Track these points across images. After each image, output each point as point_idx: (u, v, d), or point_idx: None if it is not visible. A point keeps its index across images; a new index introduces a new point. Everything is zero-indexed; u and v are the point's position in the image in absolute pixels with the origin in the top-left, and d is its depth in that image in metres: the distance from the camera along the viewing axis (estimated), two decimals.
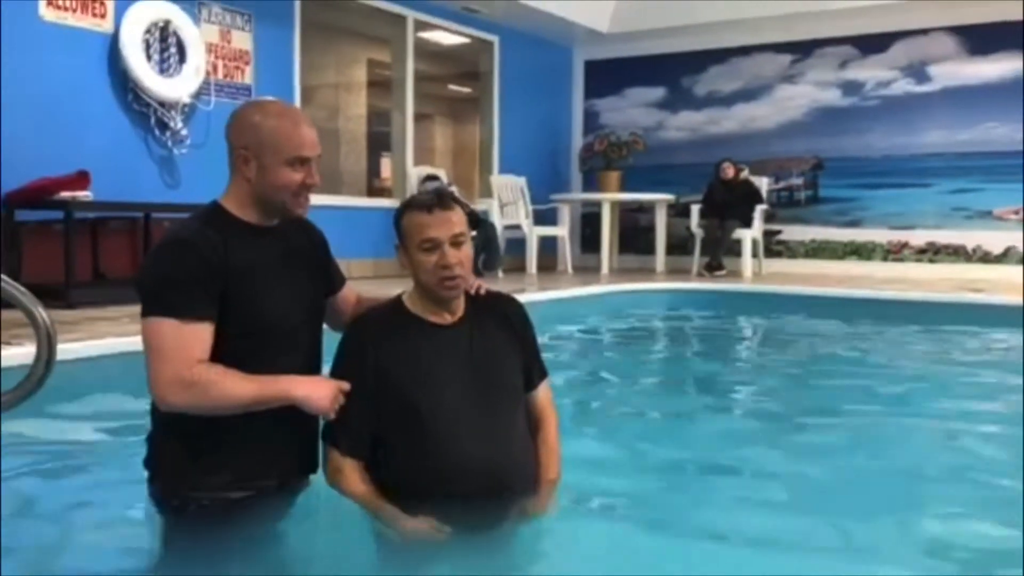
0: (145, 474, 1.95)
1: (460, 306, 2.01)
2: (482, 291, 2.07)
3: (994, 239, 8.66)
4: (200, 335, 1.78)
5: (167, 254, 1.83)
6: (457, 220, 1.93)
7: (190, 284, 1.77)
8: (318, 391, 1.86)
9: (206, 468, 1.86)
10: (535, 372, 2.11)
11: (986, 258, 8.70)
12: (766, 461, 2.92)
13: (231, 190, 1.92)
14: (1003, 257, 8.61)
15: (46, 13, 5.58)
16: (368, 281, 6.58)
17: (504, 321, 2.07)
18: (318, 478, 2.02)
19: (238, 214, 1.90)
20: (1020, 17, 8.25)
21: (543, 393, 2.13)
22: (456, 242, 1.91)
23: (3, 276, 1.86)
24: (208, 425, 1.82)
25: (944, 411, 3.72)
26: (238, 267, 1.82)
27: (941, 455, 3.00)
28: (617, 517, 2.32)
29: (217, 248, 1.81)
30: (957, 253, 8.84)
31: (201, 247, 1.80)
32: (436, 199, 1.94)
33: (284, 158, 1.87)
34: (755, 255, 8.79)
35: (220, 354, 1.80)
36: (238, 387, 1.78)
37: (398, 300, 2.03)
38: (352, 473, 1.94)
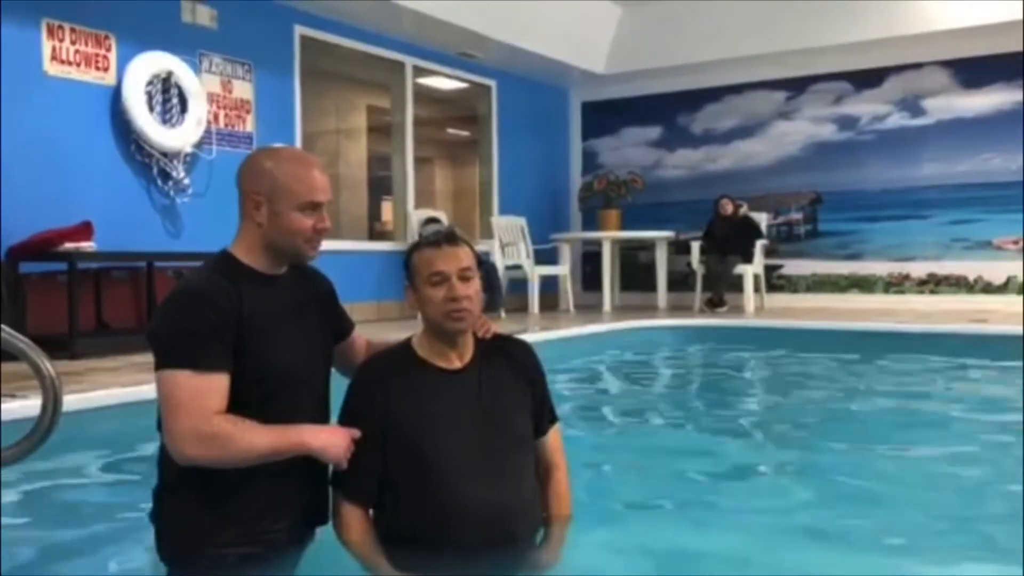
0: (152, 529, 1.91)
1: (469, 349, 2.00)
2: (489, 334, 2.06)
3: (995, 269, 8.67)
4: (217, 386, 1.76)
5: (181, 305, 1.80)
6: (465, 256, 1.94)
7: (206, 335, 1.75)
8: (333, 441, 1.85)
9: (216, 521, 1.83)
10: (545, 417, 2.09)
11: (988, 288, 8.70)
12: (773, 495, 2.90)
13: (241, 237, 1.91)
14: (1005, 287, 8.61)
15: (50, 68, 5.66)
16: (371, 324, 6.58)
17: (514, 365, 2.05)
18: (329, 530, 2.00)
19: (248, 261, 1.88)
20: (1012, 49, 8.35)
21: (553, 439, 2.11)
22: (464, 276, 1.92)
23: (8, 328, 1.87)
24: (217, 476, 1.80)
25: (951, 442, 3.70)
26: (251, 316, 1.81)
27: (945, 487, 2.98)
28: (628, 560, 2.30)
29: (231, 297, 1.79)
30: (959, 284, 8.85)
31: (215, 297, 1.78)
32: (445, 236, 1.96)
33: (296, 203, 1.85)
34: (757, 290, 8.80)
35: (232, 403, 1.78)
36: (256, 439, 1.77)
37: (407, 344, 2.02)
38: (353, 521, 1.93)
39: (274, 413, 1.82)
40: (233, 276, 1.84)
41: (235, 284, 1.82)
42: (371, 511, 1.97)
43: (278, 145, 2.10)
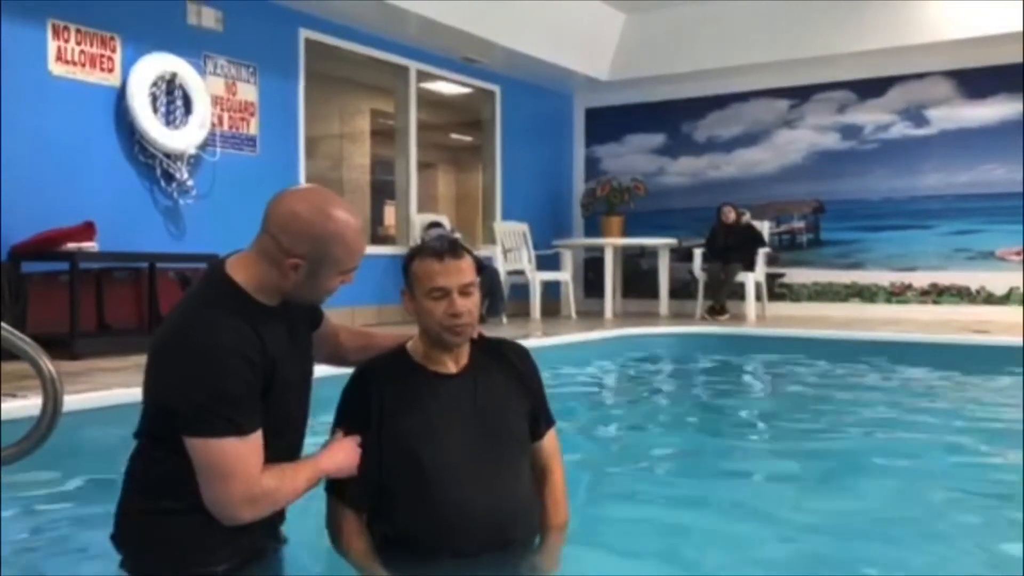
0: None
1: (465, 354, 2.00)
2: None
3: (997, 280, 8.66)
4: (259, 445, 1.72)
5: (215, 367, 1.67)
6: (467, 269, 1.91)
7: (245, 397, 1.69)
8: (346, 457, 1.87)
9: (206, 541, 1.76)
10: (542, 420, 2.08)
11: (990, 299, 8.69)
12: (771, 503, 2.90)
13: (254, 273, 1.77)
14: (1007, 298, 8.60)
15: (55, 68, 5.67)
16: (372, 328, 6.58)
17: (510, 369, 2.04)
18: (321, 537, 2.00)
19: (255, 295, 1.77)
20: (1015, 60, 8.35)
21: (550, 442, 2.10)
22: (465, 291, 1.90)
23: (9, 327, 1.87)
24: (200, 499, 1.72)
25: (950, 452, 3.70)
26: (273, 360, 1.75)
27: (943, 497, 2.98)
28: (627, 564, 2.29)
29: (258, 348, 1.72)
30: (961, 294, 8.84)
31: (248, 353, 1.70)
32: (447, 247, 1.92)
33: (340, 270, 1.79)
34: (758, 298, 8.79)
35: None
36: (296, 484, 1.78)
37: (402, 348, 2.02)
38: (349, 527, 1.93)
39: (277, 436, 1.81)
40: (249, 317, 1.73)
41: (254, 326, 1.72)
42: (365, 517, 1.96)
43: (318, 192, 1.84)
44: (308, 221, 1.73)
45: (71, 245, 5.23)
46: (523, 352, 2.12)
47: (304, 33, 7.48)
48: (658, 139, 10.37)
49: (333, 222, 1.75)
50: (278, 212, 1.76)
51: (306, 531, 2.04)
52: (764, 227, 9.12)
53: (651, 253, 9.84)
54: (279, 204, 1.77)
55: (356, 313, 7.25)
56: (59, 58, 5.69)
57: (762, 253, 8.84)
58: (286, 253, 1.73)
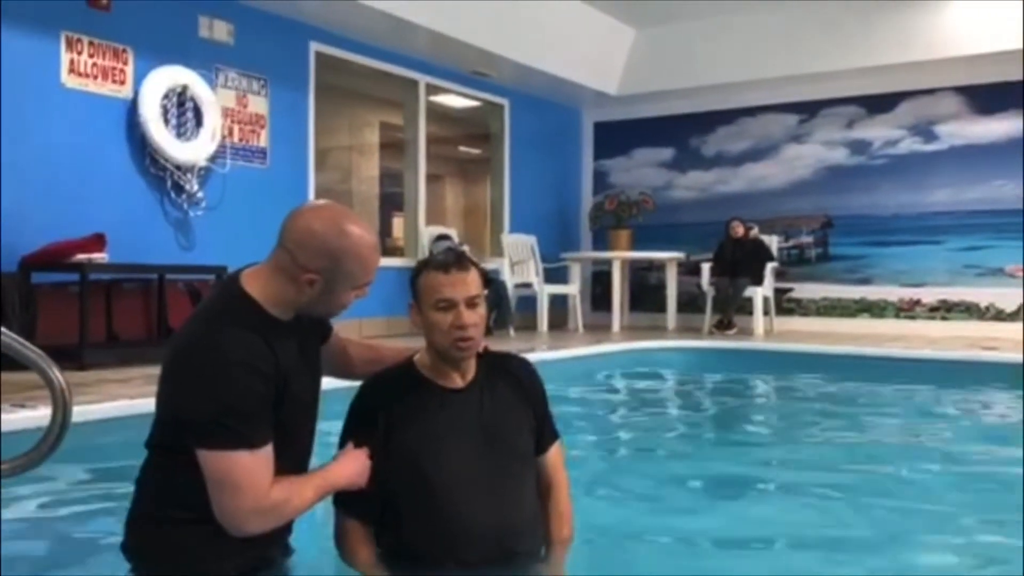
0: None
1: (471, 368, 2.00)
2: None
3: (1007, 296, 8.63)
4: (269, 458, 1.73)
5: (227, 381, 1.69)
6: (473, 282, 1.92)
7: (257, 411, 1.71)
8: (355, 469, 1.88)
9: (216, 552, 1.77)
10: (546, 435, 2.09)
11: (999, 315, 8.66)
12: (774, 517, 2.89)
13: (270, 287, 1.79)
14: (1016, 315, 8.56)
15: (67, 80, 5.72)
16: (380, 341, 6.59)
17: (515, 383, 2.05)
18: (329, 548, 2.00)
19: (270, 309, 1.79)
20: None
21: (554, 456, 2.10)
22: (471, 304, 1.91)
23: (18, 337, 1.88)
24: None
25: (959, 469, 3.68)
26: (285, 374, 1.77)
27: (951, 514, 2.97)
28: None
29: (271, 361, 1.74)
30: (970, 310, 8.81)
31: (261, 366, 1.71)
32: (454, 260, 1.93)
33: (355, 285, 1.83)
34: (766, 313, 8.78)
35: None
36: (304, 497, 1.79)
37: (409, 362, 2.02)
38: (355, 539, 1.94)
39: (293, 455, 1.84)
40: (263, 330, 1.75)
41: (267, 340, 1.75)
42: (372, 529, 1.97)
43: (334, 209, 1.86)
44: (324, 238, 1.77)
45: (81, 256, 5.26)
46: (528, 366, 2.12)
47: (314, 46, 7.52)
48: (667, 153, 10.39)
49: (348, 238, 1.78)
50: (295, 228, 1.79)
51: (313, 542, 2.04)
52: (772, 242, 9.12)
53: (659, 267, 9.84)
54: (296, 220, 1.80)
55: (365, 325, 7.27)
56: (72, 70, 5.73)
57: (770, 268, 8.84)
58: (302, 269, 1.76)
